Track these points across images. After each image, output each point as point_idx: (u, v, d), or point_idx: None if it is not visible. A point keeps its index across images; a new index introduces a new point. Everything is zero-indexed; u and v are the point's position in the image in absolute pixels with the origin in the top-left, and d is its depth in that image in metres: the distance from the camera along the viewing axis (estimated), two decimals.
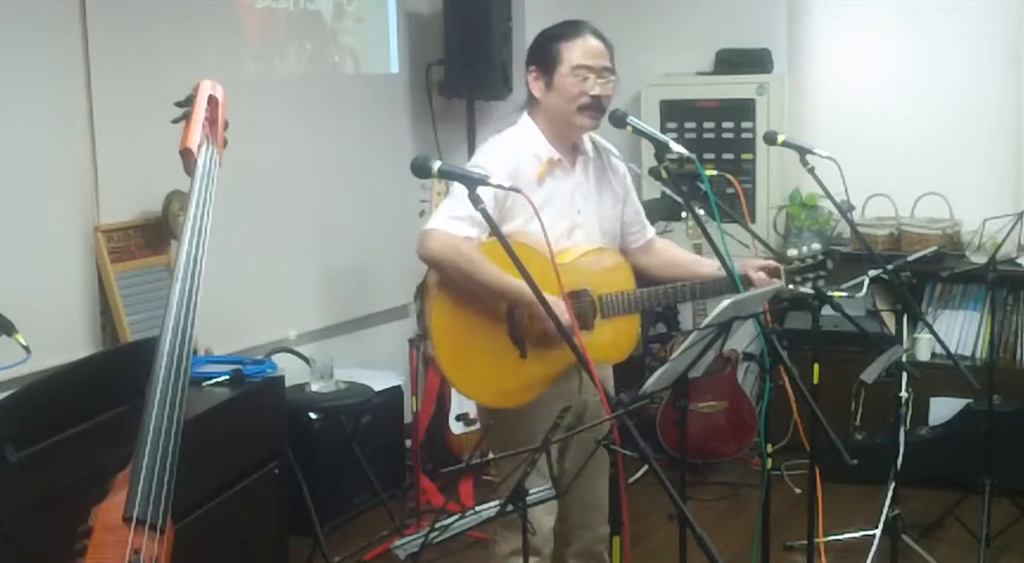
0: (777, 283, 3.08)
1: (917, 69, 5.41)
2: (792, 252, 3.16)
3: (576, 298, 2.94)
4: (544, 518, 2.99)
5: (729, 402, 5.10)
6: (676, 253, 3.33)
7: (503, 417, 2.93)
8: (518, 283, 2.56)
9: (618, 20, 5.74)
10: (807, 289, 3.14)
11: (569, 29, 3.00)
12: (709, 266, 3.20)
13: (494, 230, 2.42)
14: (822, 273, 3.14)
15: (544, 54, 2.98)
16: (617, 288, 3.04)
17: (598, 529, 3.12)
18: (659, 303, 3.15)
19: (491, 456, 3.07)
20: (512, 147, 2.96)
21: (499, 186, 2.49)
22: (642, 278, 3.18)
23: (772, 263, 3.13)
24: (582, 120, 2.97)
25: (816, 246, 3.15)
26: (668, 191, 2.87)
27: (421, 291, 2.96)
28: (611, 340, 3.04)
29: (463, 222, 2.78)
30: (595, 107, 2.96)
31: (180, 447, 1.60)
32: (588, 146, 3.09)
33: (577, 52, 2.95)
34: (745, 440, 5.16)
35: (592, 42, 2.97)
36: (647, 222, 3.30)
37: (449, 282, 2.85)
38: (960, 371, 3.53)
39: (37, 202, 3.76)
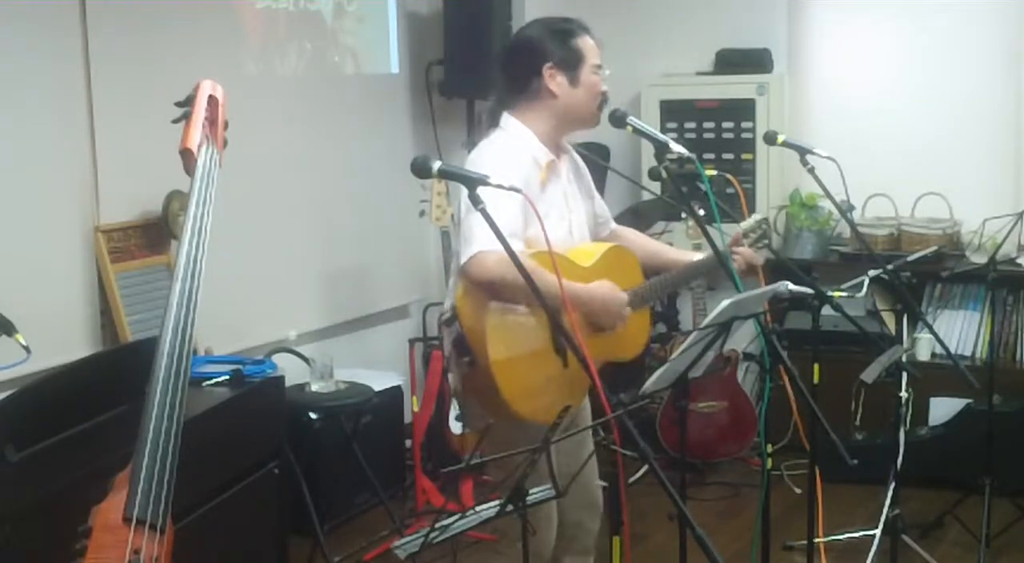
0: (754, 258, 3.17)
1: (917, 69, 5.41)
2: (744, 225, 3.25)
3: None
4: (545, 533, 2.98)
5: (729, 402, 5.10)
6: (647, 241, 3.36)
7: (506, 417, 2.92)
8: (571, 287, 2.63)
9: (618, 20, 5.77)
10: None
11: (576, 26, 3.02)
12: (679, 252, 3.32)
13: (497, 234, 2.39)
14: (765, 241, 3.28)
15: (565, 50, 2.95)
16: (630, 283, 3.04)
17: (593, 526, 3.16)
18: (667, 291, 3.17)
19: (493, 456, 3.04)
20: (516, 156, 2.89)
21: (499, 186, 2.48)
22: None
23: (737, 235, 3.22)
24: (598, 116, 3.02)
25: (758, 216, 3.29)
26: (673, 183, 2.88)
27: (455, 313, 2.81)
28: (629, 336, 3.05)
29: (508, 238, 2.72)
30: (604, 104, 3.01)
31: (180, 447, 1.59)
32: (567, 144, 3.11)
33: (593, 49, 2.99)
34: (745, 440, 5.16)
35: (593, 40, 3.01)
36: (608, 212, 3.32)
37: (507, 301, 2.74)
38: (960, 371, 3.53)
39: (37, 202, 3.76)
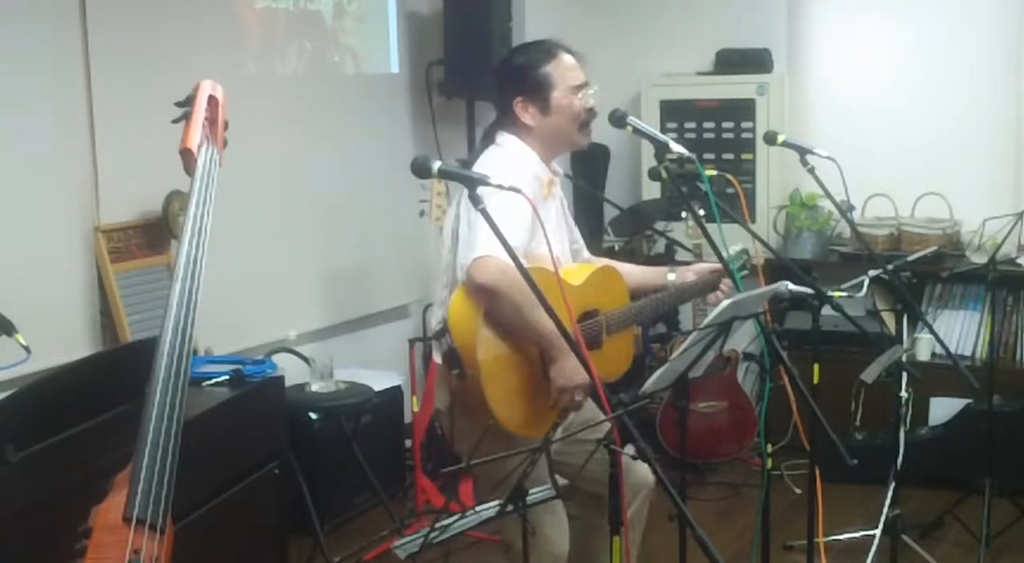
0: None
1: (917, 69, 5.41)
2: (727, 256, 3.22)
3: (587, 318, 2.94)
4: (558, 539, 2.94)
5: (729, 402, 5.10)
6: (624, 265, 3.34)
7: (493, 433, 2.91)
8: (554, 331, 2.44)
9: (618, 20, 5.78)
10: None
11: (546, 50, 2.98)
12: (653, 271, 3.30)
13: (498, 235, 2.38)
14: (745, 271, 3.26)
15: (530, 81, 2.94)
16: (618, 303, 3.05)
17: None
18: (653, 313, 3.17)
19: (493, 456, 3.02)
20: (521, 169, 2.89)
21: (499, 186, 2.47)
22: None
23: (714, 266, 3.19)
24: (582, 138, 3.01)
25: (739, 247, 3.25)
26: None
27: (447, 326, 2.77)
28: (613, 356, 3.03)
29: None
30: (590, 121, 2.99)
31: (180, 447, 1.59)
32: (557, 166, 3.10)
33: (566, 71, 2.95)
34: (745, 440, 5.16)
35: (571, 59, 2.98)
36: (582, 239, 3.30)
37: (496, 313, 2.72)
38: (960, 371, 3.53)
39: (37, 202, 3.75)
